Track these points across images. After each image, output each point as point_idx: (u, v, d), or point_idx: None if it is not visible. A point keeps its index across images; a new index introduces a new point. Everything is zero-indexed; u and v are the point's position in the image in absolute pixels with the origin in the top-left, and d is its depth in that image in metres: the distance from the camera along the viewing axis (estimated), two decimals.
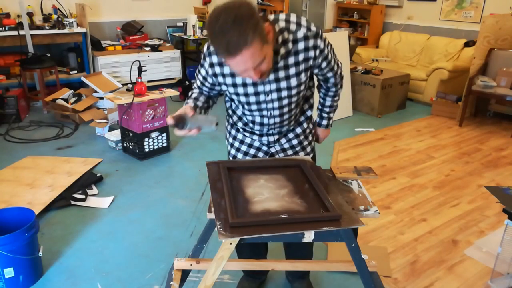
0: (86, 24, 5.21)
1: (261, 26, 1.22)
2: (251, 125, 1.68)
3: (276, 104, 1.55)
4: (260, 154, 1.75)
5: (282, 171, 1.49)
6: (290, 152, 1.74)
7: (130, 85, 3.86)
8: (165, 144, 3.79)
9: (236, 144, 1.77)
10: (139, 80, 3.51)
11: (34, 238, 2.12)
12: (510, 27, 4.76)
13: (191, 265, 1.60)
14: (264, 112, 1.58)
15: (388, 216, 2.90)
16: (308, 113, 1.75)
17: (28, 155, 3.66)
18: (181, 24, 6.31)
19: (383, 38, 6.63)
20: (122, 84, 4.95)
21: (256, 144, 1.74)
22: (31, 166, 3.41)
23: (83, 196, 2.98)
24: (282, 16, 1.42)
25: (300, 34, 1.42)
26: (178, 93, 3.93)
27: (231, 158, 1.82)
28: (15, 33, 4.70)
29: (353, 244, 1.29)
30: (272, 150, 1.74)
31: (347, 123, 4.79)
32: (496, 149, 4.14)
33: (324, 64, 1.54)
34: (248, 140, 1.74)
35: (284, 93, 1.52)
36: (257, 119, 1.62)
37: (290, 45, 1.42)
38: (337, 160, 3.79)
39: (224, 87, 1.55)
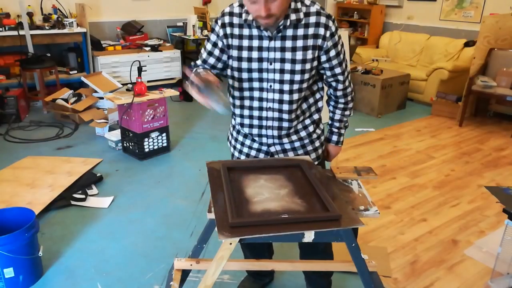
0: (86, 24, 5.21)
1: None
2: (248, 112, 1.63)
3: (277, 76, 1.53)
4: (261, 155, 1.73)
5: (282, 171, 1.49)
6: (291, 153, 1.70)
7: (130, 85, 3.86)
8: (165, 144, 3.79)
9: (238, 146, 1.77)
10: (139, 80, 3.51)
11: (34, 238, 2.12)
12: (510, 27, 4.76)
13: (191, 265, 1.60)
14: (264, 84, 1.56)
15: (388, 216, 2.90)
16: (315, 116, 1.70)
17: (28, 155, 3.66)
18: (181, 24, 6.31)
19: (383, 38, 6.63)
20: (122, 84, 4.95)
21: (255, 145, 1.72)
22: (31, 166, 3.41)
23: (83, 196, 2.98)
24: None
25: (313, 9, 1.47)
26: (178, 93, 3.93)
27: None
28: (15, 33, 4.70)
29: (353, 244, 1.29)
30: (272, 149, 1.70)
31: None
32: (496, 149, 4.14)
33: (333, 53, 1.53)
34: (248, 142, 1.73)
35: (287, 66, 1.51)
36: (256, 94, 1.59)
37: (301, 14, 1.46)
38: (337, 160, 3.79)
39: (230, 52, 1.55)
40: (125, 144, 3.74)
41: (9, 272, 2.04)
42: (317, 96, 1.68)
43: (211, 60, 1.61)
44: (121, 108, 3.57)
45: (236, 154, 1.79)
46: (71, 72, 5.40)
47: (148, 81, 5.72)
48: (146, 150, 3.65)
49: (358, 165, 1.67)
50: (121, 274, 2.25)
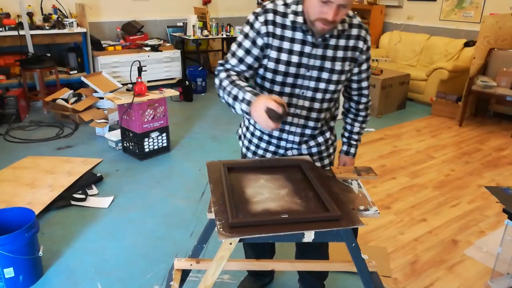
0: (86, 24, 5.21)
1: None
2: None
3: (312, 84, 1.50)
4: None
5: (282, 171, 1.48)
6: None
7: (130, 85, 3.86)
8: (165, 144, 3.79)
9: (252, 148, 1.72)
10: (139, 80, 3.51)
11: (34, 238, 2.12)
12: (510, 27, 4.76)
13: (191, 265, 1.60)
14: (296, 90, 1.51)
15: (388, 216, 2.90)
16: (331, 123, 1.71)
17: (28, 155, 3.66)
18: (181, 24, 6.31)
19: (383, 38, 6.63)
20: (122, 84, 4.95)
21: (272, 148, 1.67)
22: (31, 166, 3.41)
23: (83, 196, 2.98)
24: None
25: (356, 21, 1.49)
26: (178, 93, 3.93)
27: None
28: (15, 33, 4.70)
29: (353, 244, 1.29)
30: (289, 153, 1.66)
31: None
32: (496, 149, 4.14)
33: (364, 66, 1.57)
34: (263, 145, 1.68)
35: (325, 75, 1.49)
36: (285, 99, 1.53)
37: (346, 25, 1.47)
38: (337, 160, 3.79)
39: (267, 52, 1.46)
40: (125, 144, 3.74)
41: (9, 272, 2.04)
42: (336, 104, 1.68)
43: (249, 60, 1.47)
44: (121, 108, 3.57)
45: (250, 155, 1.74)
46: (71, 72, 5.40)
47: (148, 81, 5.72)
48: (146, 150, 3.65)
49: (358, 165, 1.66)
50: (121, 274, 2.25)
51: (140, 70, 3.49)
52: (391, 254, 2.48)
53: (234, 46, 1.49)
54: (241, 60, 1.47)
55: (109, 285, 2.17)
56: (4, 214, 2.22)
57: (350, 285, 2.21)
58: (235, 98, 1.36)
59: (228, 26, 6.13)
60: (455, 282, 2.27)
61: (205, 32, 5.88)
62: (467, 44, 5.51)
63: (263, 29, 1.44)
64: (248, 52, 1.46)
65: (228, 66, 1.49)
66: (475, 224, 2.83)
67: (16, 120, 4.45)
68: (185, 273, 1.61)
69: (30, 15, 4.94)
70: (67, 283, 2.18)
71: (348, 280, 2.24)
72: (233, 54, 1.49)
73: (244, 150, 1.77)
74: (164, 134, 3.74)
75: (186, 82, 5.49)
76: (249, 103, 1.31)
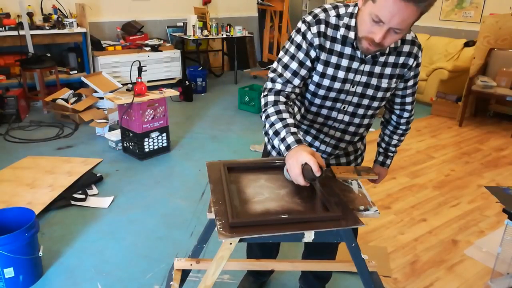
0: (86, 24, 5.21)
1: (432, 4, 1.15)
2: (307, 122, 1.54)
3: (355, 100, 1.45)
4: None
5: (282, 171, 1.48)
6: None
7: (130, 85, 3.86)
8: (165, 144, 3.79)
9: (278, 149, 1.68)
10: (139, 80, 3.51)
11: (34, 238, 2.12)
12: (510, 27, 4.76)
13: (191, 265, 1.60)
14: (338, 105, 1.46)
15: (388, 216, 2.90)
16: (364, 133, 1.66)
17: (28, 155, 3.66)
18: (181, 24, 6.31)
19: None
20: (122, 84, 4.95)
21: None
22: (31, 166, 3.41)
23: (83, 196, 2.98)
24: None
25: (409, 36, 1.39)
26: (178, 93, 3.93)
27: None
28: (15, 33, 4.70)
29: (353, 244, 1.29)
30: None
31: None
32: (496, 149, 4.14)
33: (411, 83, 1.49)
34: None
35: (370, 92, 1.43)
36: (324, 112, 1.49)
37: (398, 41, 1.37)
38: None
39: (315, 65, 1.39)
40: (125, 144, 3.74)
41: (9, 272, 2.04)
42: (374, 118, 1.64)
43: (303, 72, 1.38)
44: (121, 108, 3.57)
45: (274, 153, 1.70)
46: (71, 72, 5.40)
47: (148, 81, 5.72)
48: (146, 150, 3.65)
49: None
50: (121, 274, 2.25)
51: (140, 70, 3.49)
52: (391, 254, 2.48)
53: (285, 58, 1.39)
54: (295, 74, 1.38)
55: (109, 285, 2.17)
56: (4, 214, 2.22)
57: (350, 285, 2.21)
58: (276, 133, 1.29)
59: (228, 26, 6.13)
60: (455, 282, 2.27)
61: (205, 32, 5.89)
62: (467, 44, 5.51)
63: (316, 41, 1.35)
64: (302, 64, 1.38)
65: (278, 85, 1.39)
66: (475, 224, 2.83)
67: (16, 120, 4.45)
68: (185, 273, 1.61)
69: (30, 15, 4.94)
70: (67, 283, 2.19)
71: (348, 280, 2.24)
72: (286, 67, 1.39)
73: (269, 147, 1.72)
74: (164, 134, 3.74)
75: (186, 82, 5.49)
76: (288, 147, 1.24)
